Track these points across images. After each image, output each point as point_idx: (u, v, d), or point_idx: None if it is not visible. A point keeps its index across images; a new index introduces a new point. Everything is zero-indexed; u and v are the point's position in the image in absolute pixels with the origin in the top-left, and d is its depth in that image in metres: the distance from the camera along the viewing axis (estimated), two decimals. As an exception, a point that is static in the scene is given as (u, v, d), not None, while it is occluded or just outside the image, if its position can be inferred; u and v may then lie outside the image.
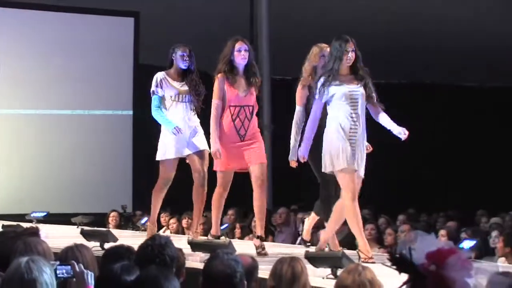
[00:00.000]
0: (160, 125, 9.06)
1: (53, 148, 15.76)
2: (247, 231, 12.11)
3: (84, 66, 15.83)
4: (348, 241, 10.33)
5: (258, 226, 8.23)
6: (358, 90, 7.55)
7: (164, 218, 13.43)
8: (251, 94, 8.22)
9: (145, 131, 15.80)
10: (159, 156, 9.13)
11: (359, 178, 7.57)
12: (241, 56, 8.11)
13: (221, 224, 9.46)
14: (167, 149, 9.02)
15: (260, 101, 15.17)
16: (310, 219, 8.65)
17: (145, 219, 12.46)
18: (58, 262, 4.59)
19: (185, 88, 8.95)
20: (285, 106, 16.01)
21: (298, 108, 8.20)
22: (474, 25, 15.92)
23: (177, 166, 9.23)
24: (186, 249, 7.01)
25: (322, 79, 7.54)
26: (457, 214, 13.96)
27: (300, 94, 8.21)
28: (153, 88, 8.99)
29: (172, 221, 13.11)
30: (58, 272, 4.45)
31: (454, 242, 9.15)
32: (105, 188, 15.78)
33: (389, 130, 7.70)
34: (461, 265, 2.78)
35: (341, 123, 7.46)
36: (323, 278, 6.36)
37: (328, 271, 6.47)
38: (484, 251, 9.98)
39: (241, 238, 11.79)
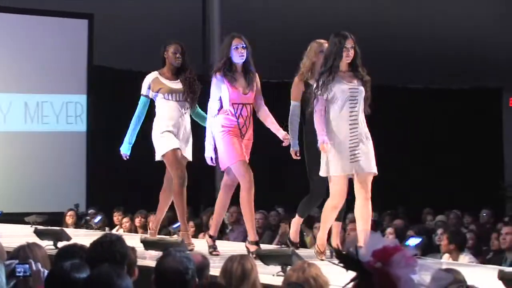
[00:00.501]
0: (150, 126, 8.50)
1: (6, 148, 15.59)
2: (200, 229, 12.11)
3: (37, 67, 15.67)
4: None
5: (251, 230, 7.89)
6: (357, 88, 7.26)
7: (117, 217, 13.38)
8: (252, 91, 7.84)
9: (99, 130, 15.73)
10: (161, 152, 8.40)
11: (369, 175, 7.21)
12: (239, 53, 7.75)
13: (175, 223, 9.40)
14: (168, 143, 8.36)
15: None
16: (296, 220, 8.22)
17: (99, 217, 12.39)
18: (16, 261, 4.55)
19: (179, 86, 8.43)
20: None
21: (295, 103, 7.86)
22: (420, 28, 16.03)
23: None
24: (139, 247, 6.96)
25: (323, 77, 7.21)
26: (403, 212, 14.08)
27: (296, 89, 7.88)
28: (143, 91, 8.49)
29: (125, 220, 13.07)
30: (17, 270, 4.42)
31: (400, 240, 9.23)
32: (58, 187, 15.65)
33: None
34: (405, 262, 2.79)
35: (339, 125, 7.18)
36: (273, 275, 6.36)
37: (278, 268, 6.48)
38: (429, 248, 10.09)
39: (195, 236, 11.78)
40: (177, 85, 8.41)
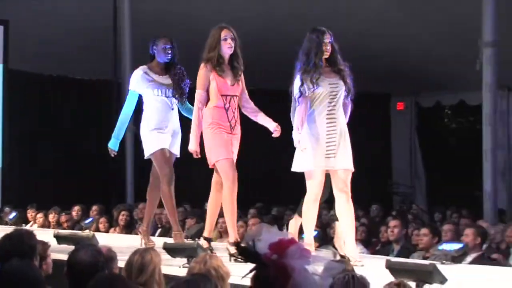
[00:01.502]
0: (139, 122, 8.04)
1: None
2: (111, 225, 12.04)
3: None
4: (202, 232, 10.35)
5: (230, 228, 7.40)
6: (337, 83, 6.83)
7: (30, 213, 13.17)
8: (238, 83, 7.26)
9: (17, 126, 15.42)
10: (150, 151, 7.93)
11: (346, 172, 6.82)
12: (227, 45, 7.17)
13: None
14: (156, 141, 7.88)
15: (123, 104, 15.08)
16: (295, 221, 7.60)
17: (14, 214, 12.17)
18: None
19: (169, 82, 7.88)
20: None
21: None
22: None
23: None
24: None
25: (308, 74, 6.75)
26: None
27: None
28: (132, 85, 7.95)
29: (39, 215, 12.88)
30: None
31: (298, 233, 9.32)
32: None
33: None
34: (300, 254, 2.83)
35: (317, 121, 6.77)
36: (179, 267, 6.38)
37: (184, 260, 6.49)
38: (323, 240, 10.21)
39: (106, 231, 11.72)
40: (166, 80, 7.91)
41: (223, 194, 7.27)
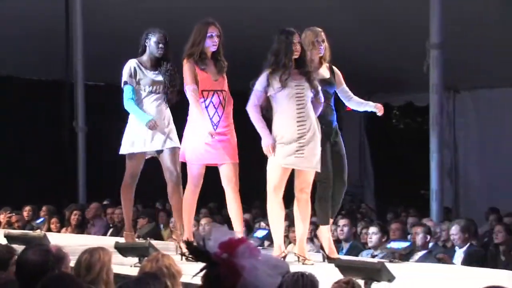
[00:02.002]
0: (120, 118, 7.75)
1: None
2: (63, 225, 11.95)
3: None
4: (154, 232, 10.32)
5: (188, 231, 7.13)
6: (303, 84, 6.69)
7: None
8: (223, 78, 7.01)
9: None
10: (124, 150, 7.65)
11: (310, 173, 6.71)
12: (212, 42, 6.94)
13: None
14: (134, 141, 7.56)
15: (75, 105, 14.96)
16: (322, 232, 7.14)
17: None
18: None
19: (160, 78, 7.48)
20: (98, 110, 15.93)
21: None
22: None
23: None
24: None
25: (276, 75, 6.62)
26: (259, 206, 14.19)
27: None
28: (125, 78, 7.50)
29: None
30: None
31: (248, 232, 9.33)
32: None
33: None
34: (250, 252, 2.82)
35: (287, 123, 6.64)
36: (131, 266, 6.35)
37: (136, 260, 6.46)
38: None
39: (58, 231, 11.62)
40: (157, 76, 7.51)
41: (184, 193, 7.11)
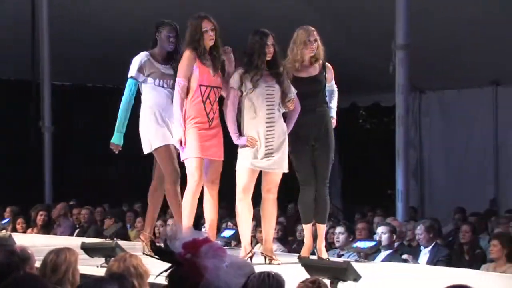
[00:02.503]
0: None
1: None
2: (29, 225, 11.87)
3: None
4: (121, 232, 10.28)
5: (211, 230, 6.90)
6: (274, 86, 6.68)
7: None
8: (218, 75, 6.85)
9: None
10: (156, 143, 7.17)
11: (279, 174, 6.72)
12: (209, 36, 6.79)
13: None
14: (163, 134, 7.17)
15: (41, 104, 14.84)
16: (305, 230, 7.14)
17: None
18: None
19: (170, 72, 7.18)
20: (64, 109, 15.83)
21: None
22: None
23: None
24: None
25: (248, 75, 6.63)
26: (225, 207, 14.16)
27: None
28: (131, 71, 7.24)
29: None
30: None
31: (217, 232, 9.31)
32: None
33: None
34: (213, 253, 2.82)
35: (256, 123, 6.65)
36: (97, 266, 6.32)
37: (102, 260, 6.43)
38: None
39: (24, 232, 11.55)
40: (168, 70, 7.23)
41: (185, 192, 6.81)
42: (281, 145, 6.68)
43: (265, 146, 6.63)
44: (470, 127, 15.36)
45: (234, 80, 6.70)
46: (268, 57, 6.66)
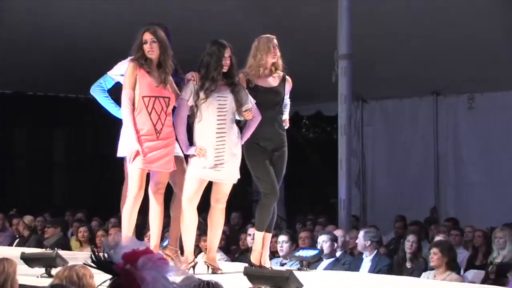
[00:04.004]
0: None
1: None
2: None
3: None
4: (62, 242, 10.16)
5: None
6: (226, 96, 6.64)
7: None
8: (164, 85, 6.69)
9: None
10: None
11: (228, 185, 6.72)
12: (147, 48, 6.66)
13: None
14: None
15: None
16: (257, 238, 7.10)
17: None
18: None
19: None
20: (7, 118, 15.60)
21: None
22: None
23: None
24: None
25: (202, 87, 6.57)
26: (168, 215, 14.09)
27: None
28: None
29: None
30: None
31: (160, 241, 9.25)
32: None
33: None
34: (152, 264, 2.78)
35: (206, 133, 6.59)
36: (37, 277, 6.23)
37: (42, 270, 6.35)
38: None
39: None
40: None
41: (125, 203, 6.72)
42: (232, 156, 6.64)
43: (214, 157, 6.57)
44: (411, 136, 15.54)
45: (185, 91, 6.66)
46: (225, 70, 6.65)
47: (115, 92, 7.10)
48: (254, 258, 6.99)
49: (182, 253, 6.98)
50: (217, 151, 6.59)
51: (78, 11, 13.18)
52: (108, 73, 7.18)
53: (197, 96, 6.61)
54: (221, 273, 6.64)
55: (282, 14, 13.05)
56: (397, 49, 13.61)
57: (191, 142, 6.68)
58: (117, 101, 7.05)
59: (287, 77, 7.09)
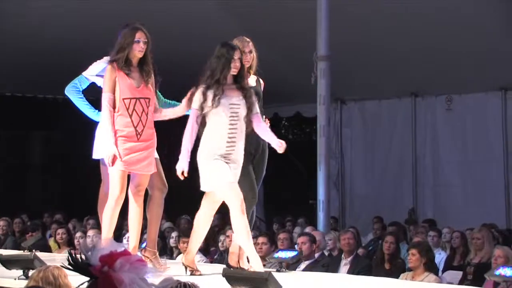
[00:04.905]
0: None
1: None
2: None
3: None
4: (41, 243, 10.12)
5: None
6: (239, 103, 6.41)
7: None
8: (146, 86, 6.65)
9: None
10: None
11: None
12: (139, 47, 6.62)
13: None
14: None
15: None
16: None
17: None
18: None
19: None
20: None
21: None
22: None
23: None
24: None
25: (210, 91, 6.34)
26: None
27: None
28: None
29: None
30: None
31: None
32: None
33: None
34: (130, 266, 2.78)
35: (217, 141, 6.33)
36: (15, 279, 6.20)
37: (20, 272, 6.32)
38: (164, 250, 10.20)
39: None
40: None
41: (106, 205, 6.66)
42: (238, 169, 6.44)
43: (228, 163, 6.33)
44: (390, 137, 15.59)
45: (194, 99, 6.41)
46: (234, 72, 6.45)
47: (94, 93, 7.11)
48: (232, 260, 6.99)
49: (160, 254, 6.99)
50: (226, 160, 6.35)
51: (53, 13, 13.13)
52: (83, 73, 7.17)
53: (206, 104, 6.35)
54: (200, 275, 6.63)
55: (260, 15, 13.06)
56: (376, 51, 13.66)
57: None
58: (94, 102, 7.07)
59: (260, 80, 7.05)
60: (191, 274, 6.65)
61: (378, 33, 13.12)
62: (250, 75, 6.93)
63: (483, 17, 12.65)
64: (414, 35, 13.14)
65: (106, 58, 6.98)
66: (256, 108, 6.54)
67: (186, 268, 6.73)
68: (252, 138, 6.84)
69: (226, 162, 6.34)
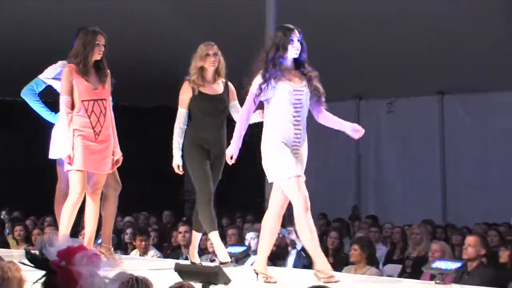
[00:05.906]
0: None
1: None
2: None
3: None
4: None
5: (88, 240, 6.73)
6: (302, 89, 5.93)
7: None
8: (103, 87, 6.65)
9: None
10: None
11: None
12: (99, 50, 6.62)
13: None
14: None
15: None
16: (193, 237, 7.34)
17: None
18: None
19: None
20: None
21: (183, 111, 6.83)
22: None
23: None
24: None
25: (269, 74, 5.86)
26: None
27: (184, 96, 6.86)
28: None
29: None
30: None
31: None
32: None
33: (339, 130, 6.17)
34: (87, 260, 2.81)
35: (284, 129, 5.89)
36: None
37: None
38: (119, 245, 10.19)
39: None
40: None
41: (65, 204, 6.65)
42: (304, 151, 6.06)
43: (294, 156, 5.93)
44: (335, 137, 15.71)
45: (254, 83, 5.96)
46: (295, 54, 5.93)
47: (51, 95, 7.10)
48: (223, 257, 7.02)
49: (115, 250, 7.00)
50: (294, 147, 5.96)
51: (12, 13, 13.04)
52: (39, 76, 7.15)
53: (268, 86, 5.88)
54: (275, 282, 6.28)
55: (222, 21, 13.08)
56: (321, 54, 13.71)
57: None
58: (52, 105, 7.07)
59: (229, 83, 7.02)
60: (264, 282, 6.22)
61: (323, 36, 13.19)
62: (216, 80, 6.93)
63: (426, 22, 12.81)
64: (359, 40, 13.27)
65: (61, 62, 7.00)
66: (323, 93, 6.07)
67: (257, 275, 6.29)
68: (215, 143, 6.90)
69: (295, 154, 5.93)
